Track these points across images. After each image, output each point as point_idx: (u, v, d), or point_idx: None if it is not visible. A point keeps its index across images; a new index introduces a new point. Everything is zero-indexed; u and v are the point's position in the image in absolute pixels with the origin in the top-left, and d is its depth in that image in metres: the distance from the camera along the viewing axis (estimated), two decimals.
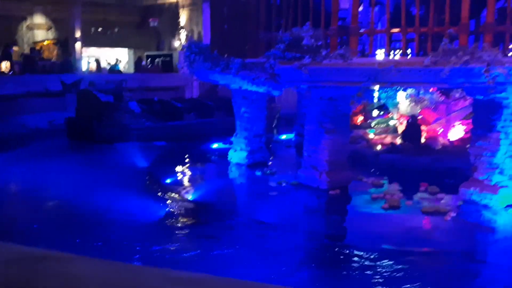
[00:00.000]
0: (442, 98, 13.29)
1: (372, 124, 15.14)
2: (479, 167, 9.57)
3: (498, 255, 8.20)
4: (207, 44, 13.51)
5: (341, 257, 7.89)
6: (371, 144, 13.96)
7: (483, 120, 9.49)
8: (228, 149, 13.75)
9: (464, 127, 12.97)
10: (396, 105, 14.83)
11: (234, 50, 11.23)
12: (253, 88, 11.10)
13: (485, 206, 9.48)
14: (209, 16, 17.39)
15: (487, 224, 9.03)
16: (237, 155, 13.17)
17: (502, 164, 9.34)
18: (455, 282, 7.03)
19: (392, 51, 13.21)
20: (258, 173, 12.50)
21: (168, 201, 10.18)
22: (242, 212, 10.22)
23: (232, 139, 13.41)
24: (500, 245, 8.47)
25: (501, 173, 9.37)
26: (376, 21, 13.95)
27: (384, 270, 7.21)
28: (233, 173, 12.91)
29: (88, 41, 27.95)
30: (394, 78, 9.18)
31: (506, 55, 8.97)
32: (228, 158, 13.49)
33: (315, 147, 11.10)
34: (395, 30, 10.82)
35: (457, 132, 13.02)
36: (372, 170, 12.34)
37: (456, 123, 13.28)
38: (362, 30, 11.47)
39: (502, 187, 9.34)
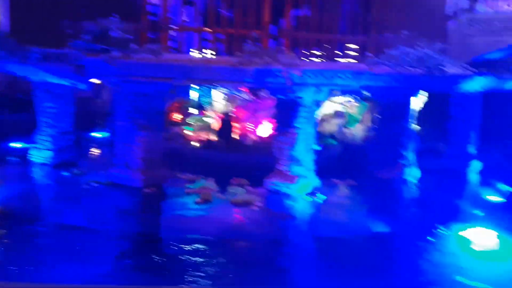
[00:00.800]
0: (252, 97, 14.21)
1: (189, 121, 15.38)
2: (281, 160, 10.52)
3: (297, 240, 9.13)
4: (2, 31, 12.00)
5: (156, 253, 7.85)
6: (187, 141, 14.17)
7: (284, 117, 10.46)
8: (32, 148, 12.45)
9: (272, 124, 14.07)
10: (211, 103, 15.35)
11: (34, 39, 10.20)
12: (58, 81, 10.24)
13: (287, 195, 10.47)
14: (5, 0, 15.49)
15: (288, 212, 9.96)
16: (41, 154, 12.01)
17: (299, 156, 10.43)
18: (263, 268, 7.55)
19: (207, 50, 13.58)
20: (66, 174, 11.61)
21: None
22: (46, 217, 9.36)
23: (35, 137, 12.17)
24: (298, 231, 9.44)
25: (298, 164, 10.45)
26: (191, 19, 14.21)
27: (197, 262, 7.39)
28: (37, 174, 11.73)
29: None
30: (204, 75, 9.46)
31: (301, 59, 10.02)
32: (31, 158, 12.22)
33: (128, 145, 10.79)
34: (205, 29, 11.20)
35: (265, 129, 14.05)
36: (188, 167, 12.52)
37: (265, 120, 14.33)
38: (173, 27, 11.55)
39: (299, 177, 10.42)
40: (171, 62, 9.62)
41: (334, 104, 14.48)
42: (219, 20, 10.02)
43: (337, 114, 14.28)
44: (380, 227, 9.16)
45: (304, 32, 10.09)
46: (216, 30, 10.19)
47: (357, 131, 14.17)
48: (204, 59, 9.79)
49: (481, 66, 11.56)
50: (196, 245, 8.05)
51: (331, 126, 14.10)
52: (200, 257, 7.58)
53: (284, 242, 8.72)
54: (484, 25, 10.57)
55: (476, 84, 11.86)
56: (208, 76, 9.38)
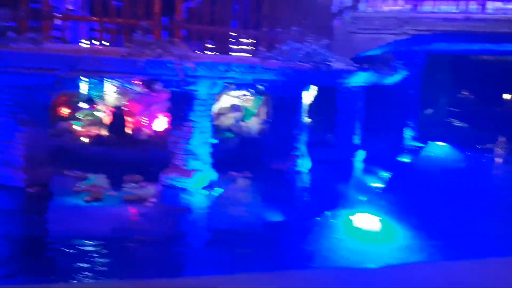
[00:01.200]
0: (146, 90, 13.81)
1: (79, 116, 14.53)
2: (176, 154, 10.35)
3: (194, 234, 9.09)
4: None
5: (43, 254, 7.38)
6: (77, 136, 13.37)
7: (179, 111, 10.29)
8: None
9: (167, 118, 13.80)
10: (102, 96, 14.65)
11: None
12: None
13: (183, 190, 10.33)
14: None
15: (185, 206, 9.86)
16: None
17: (195, 150, 10.35)
18: (156, 264, 7.38)
19: (95, 40, 12.90)
20: None
21: None
22: None
23: None
24: (196, 224, 9.40)
25: (195, 158, 10.37)
26: (78, 8, 13.37)
27: (90, 261, 7.06)
28: None
29: None
30: (91, 66, 8.97)
31: (194, 51, 9.92)
32: None
33: (8, 142, 9.90)
34: (92, 18, 10.60)
35: (160, 123, 13.74)
36: (77, 164, 11.84)
37: (160, 114, 14.00)
38: (57, 15, 10.77)
39: (196, 171, 10.35)
40: (54, 52, 8.96)
41: (230, 98, 14.62)
42: (107, 9, 9.54)
43: (233, 108, 14.43)
44: (274, 217, 9.45)
45: (197, 25, 10.01)
46: (104, 20, 9.69)
47: (253, 124, 14.45)
48: (91, 49, 9.27)
49: (363, 62, 12.41)
50: (86, 245, 7.67)
51: (228, 120, 14.22)
52: (90, 257, 7.23)
53: (180, 237, 8.63)
54: (366, 24, 11.36)
55: (360, 79, 12.73)
56: (96, 67, 8.90)
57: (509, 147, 19.48)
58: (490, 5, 11.01)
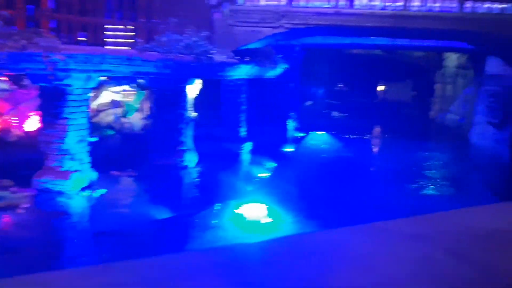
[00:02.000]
0: (13, 86, 12.59)
1: None
2: (50, 155, 9.55)
3: (72, 238, 8.48)
4: None
5: None
6: None
7: (50, 108, 9.50)
8: None
9: (39, 116, 12.73)
10: None
11: None
12: None
13: (60, 193, 9.57)
14: None
15: (62, 210, 9.15)
16: None
17: (72, 149, 9.63)
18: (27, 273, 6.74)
19: None
20: None
21: None
22: None
23: None
24: (73, 228, 8.78)
25: (72, 158, 9.65)
26: None
27: None
28: None
29: None
30: None
31: (64, 43, 9.21)
32: None
33: None
34: None
35: (31, 122, 12.63)
36: None
37: (32, 113, 12.86)
38: None
39: (73, 171, 9.64)
40: None
41: (110, 93, 13.93)
42: None
43: (114, 104, 13.76)
44: (160, 214, 9.19)
45: (67, 14, 9.31)
46: None
47: (135, 120, 13.94)
48: None
49: (245, 55, 12.59)
50: None
51: (108, 116, 13.53)
52: None
53: (55, 243, 8.00)
54: (244, 17, 11.51)
55: (242, 71, 12.90)
56: None
57: (383, 134, 21.30)
58: (357, 1, 11.81)
